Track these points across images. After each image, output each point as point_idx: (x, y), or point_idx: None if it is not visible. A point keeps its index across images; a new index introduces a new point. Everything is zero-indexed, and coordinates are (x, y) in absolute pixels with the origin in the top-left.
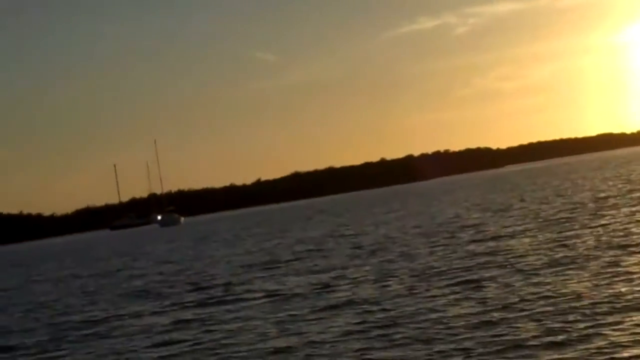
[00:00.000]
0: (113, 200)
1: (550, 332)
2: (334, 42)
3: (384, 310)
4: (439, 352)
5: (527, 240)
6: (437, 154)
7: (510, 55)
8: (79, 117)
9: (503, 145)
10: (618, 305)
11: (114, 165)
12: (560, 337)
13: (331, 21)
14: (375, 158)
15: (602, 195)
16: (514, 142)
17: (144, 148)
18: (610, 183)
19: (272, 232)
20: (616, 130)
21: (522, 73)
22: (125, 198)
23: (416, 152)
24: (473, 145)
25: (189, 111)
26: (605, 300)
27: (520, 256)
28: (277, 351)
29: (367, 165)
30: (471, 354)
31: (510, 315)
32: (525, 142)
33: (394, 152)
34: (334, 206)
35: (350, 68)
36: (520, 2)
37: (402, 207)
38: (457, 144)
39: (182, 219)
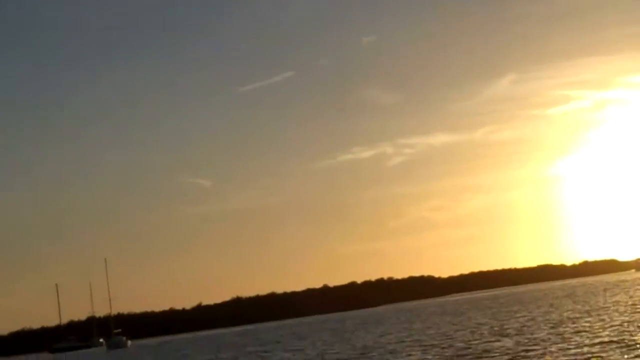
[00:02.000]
0: (53, 322)
1: None
2: (270, 169)
3: None
4: None
5: None
6: (380, 281)
7: (443, 187)
8: (19, 236)
9: (444, 274)
10: None
11: (56, 285)
12: None
13: (267, 149)
14: (317, 284)
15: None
16: (455, 272)
17: (86, 269)
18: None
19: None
20: (555, 262)
21: (455, 204)
22: (65, 320)
23: (359, 279)
24: (416, 273)
25: (131, 234)
26: None
27: None
28: None
29: (310, 292)
30: None
31: None
32: (466, 271)
33: (336, 279)
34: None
35: (287, 195)
36: (454, 135)
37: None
38: (399, 272)
39: (130, 342)
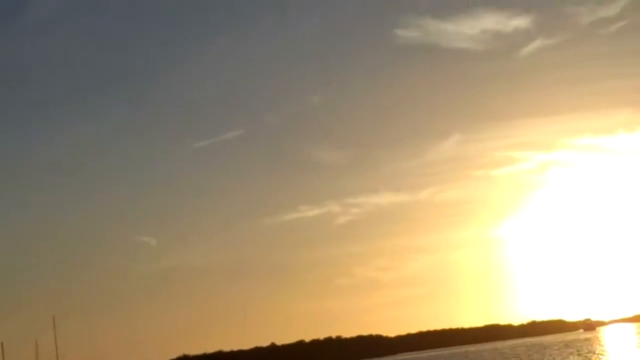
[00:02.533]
0: None
1: None
2: (218, 227)
3: None
4: None
5: None
6: (329, 340)
7: (389, 246)
8: None
9: (392, 333)
10: None
11: (1, 344)
12: None
13: (216, 206)
14: (265, 342)
15: None
16: (402, 331)
17: (33, 327)
18: None
19: None
20: (502, 321)
21: (401, 264)
22: None
23: (307, 338)
24: (364, 332)
25: (79, 292)
26: None
27: None
28: None
29: (257, 350)
30: None
31: None
32: (414, 330)
33: (284, 337)
34: None
35: (231, 253)
36: (401, 195)
37: None
38: (347, 331)
39: None
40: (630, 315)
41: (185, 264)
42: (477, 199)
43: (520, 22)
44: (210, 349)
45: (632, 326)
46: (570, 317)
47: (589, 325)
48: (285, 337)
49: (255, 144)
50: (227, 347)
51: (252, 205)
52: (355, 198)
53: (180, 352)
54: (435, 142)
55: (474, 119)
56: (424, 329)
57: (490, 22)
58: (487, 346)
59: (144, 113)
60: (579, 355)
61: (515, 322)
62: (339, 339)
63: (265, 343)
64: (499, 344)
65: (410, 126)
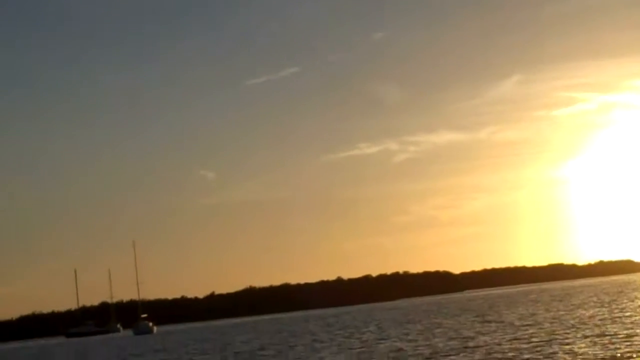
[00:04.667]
0: (72, 306)
1: None
2: (276, 163)
3: None
4: None
5: None
6: (396, 275)
7: (448, 185)
8: (35, 222)
9: (455, 270)
10: None
11: (75, 271)
12: None
13: (273, 143)
14: (331, 277)
15: None
16: (465, 268)
17: (104, 254)
18: None
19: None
20: (566, 261)
21: (459, 203)
22: (80, 304)
23: (374, 273)
24: (425, 269)
25: (142, 224)
26: None
27: None
28: None
29: (324, 283)
30: None
31: None
32: (477, 268)
33: (348, 272)
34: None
35: (292, 189)
36: (459, 134)
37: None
38: (408, 267)
39: (155, 328)
40: None
41: (244, 198)
42: (538, 139)
43: None
44: (276, 281)
45: None
46: (639, 257)
47: None
48: (349, 271)
49: (314, 81)
50: (292, 281)
51: (310, 142)
52: (414, 136)
53: (245, 284)
54: (496, 81)
55: (535, 60)
56: (488, 267)
57: None
58: (556, 285)
59: (201, 50)
60: None
61: (580, 262)
62: (406, 274)
63: (331, 277)
64: (566, 283)
65: (471, 66)
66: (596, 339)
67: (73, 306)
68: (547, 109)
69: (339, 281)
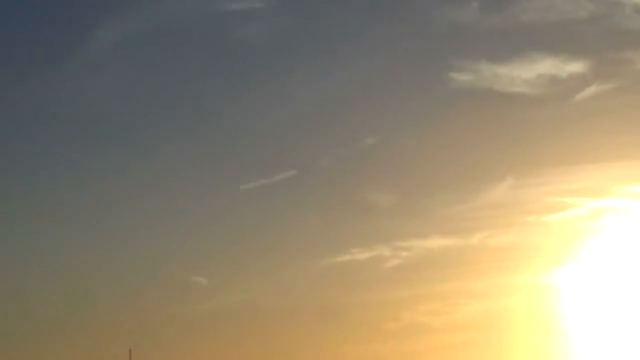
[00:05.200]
0: None
1: None
2: (265, 268)
3: None
4: None
5: None
6: None
7: (439, 290)
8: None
9: None
10: None
11: None
12: None
13: (266, 247)
14: None
15: None
16: None
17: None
18: None
19: None
20: None
21: (452, 309)
22: None
23: None
24: None
25: (139, 331)
26: None
27: None
28: None
29: None
30: None
31: None
32: None
33: None
34: None
35: (282, 294)
36: (452, 239)
37: None
38: None
39: None
40: None
41: (236, 303)
42: (530, 245)
43: (575, 67)
44: None
45: None
46: None
47: None
48: None
49: (308, 185)
50: None
51: (304, 247)
52: (406, 241)
53: None
54: (488, 186)
55: (527, 164)
56: None
57: (546, 66)
58: None
59: (193, 153)
60: None
61: None
62: None
63: None
64: None
65: (463, 170)
66: None
67: None
68: (538, 214)
69: None
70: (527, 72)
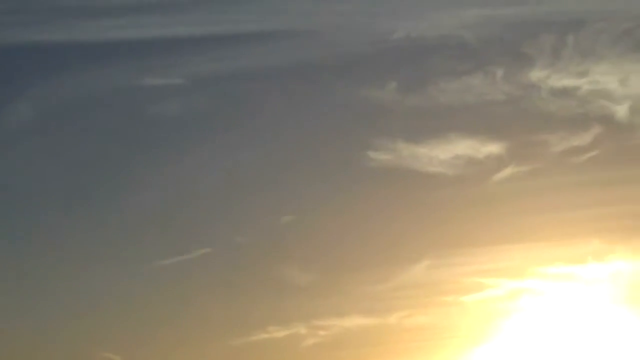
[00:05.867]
0: None
1: None
2: (179, 346)
3: None
4: None
5: None
6: None
7: None
8: None
9: None
10: None
11: None
12: None
13: (182, 324)
14: None
15: None
16: None
17: None
18: None
19: None
20: None
21: None
22: None
23: None
24: None
25: None
26: None
27: None
28: None
29: None
30: None
31: None
32: None
33: None
34: None
35: None
36: (370, 318)
37: None
38: None
39: None
40: None
41: None
42: (447, 325)
43: (492, 148)
44: None
45: None
46: None
47: None
48: None
49: (225, 262)
50: None
51: (220, 325)
52: (324, 320)
53: None
54: (406, 266)
55: (445, 244)
56: None
57: (463, 147)
58: None
59: (107, 230)
60: None
61: None
62: None
63: None
64: None
65: (381, 249)
66: None
67: None
68: (456, 294)
69: None
70: (445, 153)
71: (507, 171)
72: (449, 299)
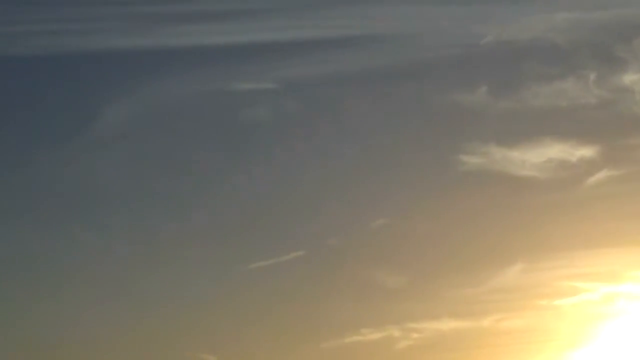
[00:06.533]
0: None
1: None
2: (275, 348)
3: None
4: None
5: None
6: None
7: None
8: None
9: None
10: None
11: None
12: None
13: (275, 328)
14: None
15: None
16: None
17: None
18: None
19: None
20: None
21: None
22: None
23: None
24: None
25: None
26: None
27: None
28: None
29: None
30: None
31: None
32: None
33: None
34: None
35: None
36: (463, 321)
37: None
38: None
39: None
40: None
41: None
42: (541, 329)
43: (585, 152)
44: None
45: None
46: None
47: None
48: None
49: (317, 265)
50: None
51: (313, 328)
52: (417, 323)
53: None
54: (498, 269)
55: (538, 248)
56: None
57: (555, 151)
58: None
59: (200, 233)
60: None
61: None
62: None
63: None
64: None
65: (474, 253)
66: None
67: None
68: (550, 298)
69: None
70: (537, 156)
71: (601, 175)
72: (543, 303)
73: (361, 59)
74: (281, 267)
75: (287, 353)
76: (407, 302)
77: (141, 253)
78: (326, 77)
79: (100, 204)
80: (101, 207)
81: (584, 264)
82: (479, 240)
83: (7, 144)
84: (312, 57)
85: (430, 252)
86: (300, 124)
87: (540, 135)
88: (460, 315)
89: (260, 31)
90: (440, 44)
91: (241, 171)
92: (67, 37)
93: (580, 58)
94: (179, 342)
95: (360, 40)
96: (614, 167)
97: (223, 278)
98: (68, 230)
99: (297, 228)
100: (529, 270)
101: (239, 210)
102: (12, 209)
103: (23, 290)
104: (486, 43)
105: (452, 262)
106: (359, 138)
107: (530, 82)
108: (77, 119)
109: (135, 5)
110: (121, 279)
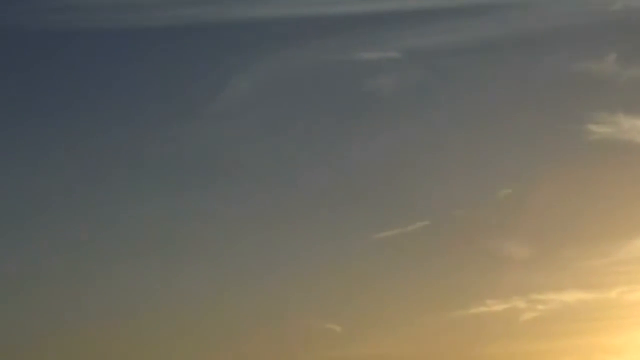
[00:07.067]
0: None
1: None
2: (399, 318)
3: None
4: None
5: None
6: None
7: (575, 345)
8: None
9: None
10: None
11: None
12: None
13: (396, 298)
14: None
15: None
16: None
17: None
18: None
19: None
20: None
21: None
22: None
23: None
24: None
25: None
26: None
27: None
28: None
29: None
30: None
31: None
32: None
33: None
34: None
35: (417, 344)
36: (589, 293)
37: None
38: None
39: None
40: None
41: (370, 352)
42: None
43: None
44: None
45: None
46: None
47: None
48: None
49: (442, 235)
50: None
51: (438, 298)
52: (542, 294)
53: None
54: (626, 240)
55: None
56: None
57: None
58: None
59: (326, 202)
60: None
61: None
62: None
63: None
64: None
65: (601, 223)
66: None
67: None
68: None
69: None
70: None
71: None
72: None
73: (486, 28)
74: (406, 236)
75: (412, 324)
76: (532, 274)
77: (266, 222)
78: (450, 46)
79: (227, 174)
80: (228, 176)
81: None
82: (605, 211)
83: (141, 115)
84: (435, 26)
85: (556, 223)
86: (424, 92)
87: None
88: (586, 287)
89: (384, 1)
90: (568, 12)
91: (365, 140)
92: (203, 7)
93: None
94: (305, 312)
95: (485, 9)
96: None
97: (349, 248)
98: (197, 200)
99: (422, 198)
100: None
101: (363, 180)
102: (145, 177)
103: (163, 251)
104: (615, 10)
105: (578, 233)
106: (484, 107)
107: None
108: (205, 89)
109: None
110: (249, 247)
